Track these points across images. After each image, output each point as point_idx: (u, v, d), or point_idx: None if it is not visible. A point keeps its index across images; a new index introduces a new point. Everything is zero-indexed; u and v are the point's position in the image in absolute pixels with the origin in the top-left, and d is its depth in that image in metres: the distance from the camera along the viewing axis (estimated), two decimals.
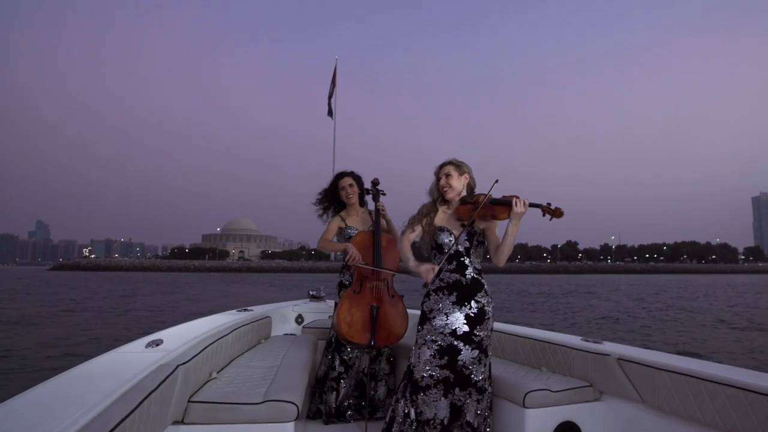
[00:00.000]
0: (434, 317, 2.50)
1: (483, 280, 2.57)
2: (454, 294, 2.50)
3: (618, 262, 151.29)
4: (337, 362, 3.38)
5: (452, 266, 2.55)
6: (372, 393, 3.38)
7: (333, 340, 3.45)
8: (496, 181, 2.43)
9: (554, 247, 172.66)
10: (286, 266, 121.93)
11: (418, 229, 2.64)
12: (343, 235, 3.50)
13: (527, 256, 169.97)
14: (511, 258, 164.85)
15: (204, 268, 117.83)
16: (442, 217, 2.67)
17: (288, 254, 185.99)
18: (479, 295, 2.52)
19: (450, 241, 2.57)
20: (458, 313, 2.48)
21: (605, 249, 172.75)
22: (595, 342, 2.88)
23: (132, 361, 1.97)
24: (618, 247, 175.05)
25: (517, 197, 2.40)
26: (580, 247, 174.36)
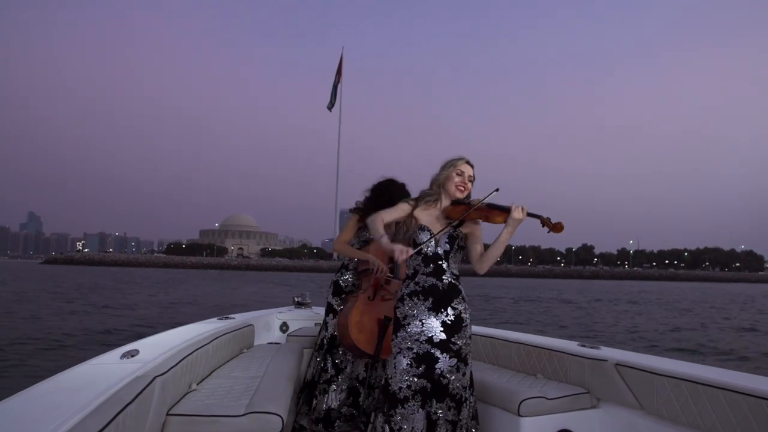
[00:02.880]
0: (409, 324, 2.34)
1: (460, 286, 2.42)
2: (430, 299, 2.34)
3: (636, 268, 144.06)
4: (329, 365, 3.19)
5: (429, 269, 2.38)
6: (365, 401, 3.19)
7: (325, 341, 3.25)
8: (496, 190, 2.31)
9: (569, 250, 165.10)
10: (287, 264, 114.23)
11: (399, 212, 2.45)
12: (358, 237, 3.32)
13: (540, 259, 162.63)
14: (523, 261, 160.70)
15: (201, 265, 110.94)
16: (423, 216, 2.46)
17: (289, 252, 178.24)
18: (456, 301, 2.37)
19: (430, 241, 2.40)
20: (434, 319, 2.32)
21: (622, 254, 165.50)
22: (592, 347, 2.80)
23: (106, 372, 1.89)
24: (636, 252, 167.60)
25: (515, 205, 2.30)
26: (596, 251, 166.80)
